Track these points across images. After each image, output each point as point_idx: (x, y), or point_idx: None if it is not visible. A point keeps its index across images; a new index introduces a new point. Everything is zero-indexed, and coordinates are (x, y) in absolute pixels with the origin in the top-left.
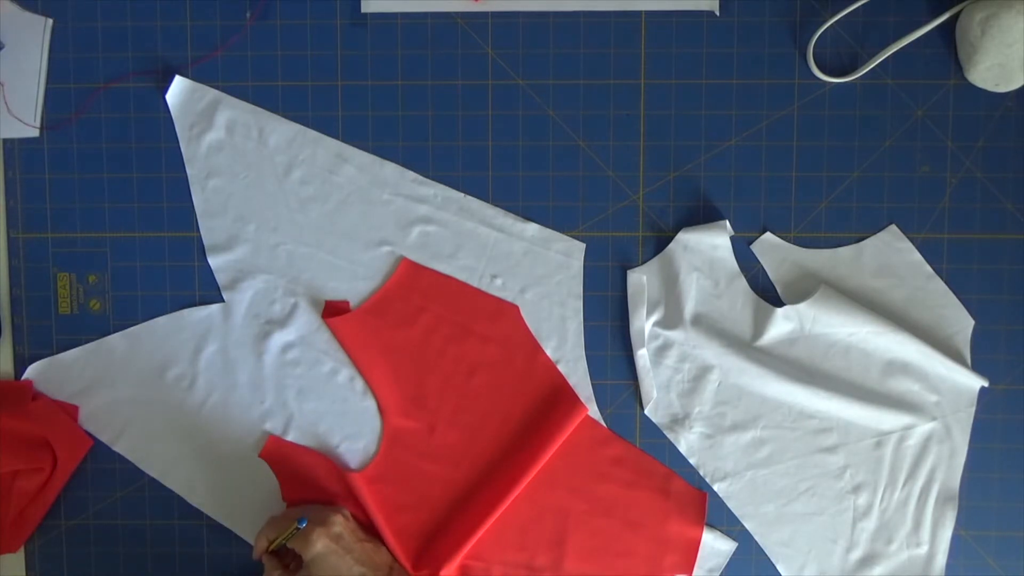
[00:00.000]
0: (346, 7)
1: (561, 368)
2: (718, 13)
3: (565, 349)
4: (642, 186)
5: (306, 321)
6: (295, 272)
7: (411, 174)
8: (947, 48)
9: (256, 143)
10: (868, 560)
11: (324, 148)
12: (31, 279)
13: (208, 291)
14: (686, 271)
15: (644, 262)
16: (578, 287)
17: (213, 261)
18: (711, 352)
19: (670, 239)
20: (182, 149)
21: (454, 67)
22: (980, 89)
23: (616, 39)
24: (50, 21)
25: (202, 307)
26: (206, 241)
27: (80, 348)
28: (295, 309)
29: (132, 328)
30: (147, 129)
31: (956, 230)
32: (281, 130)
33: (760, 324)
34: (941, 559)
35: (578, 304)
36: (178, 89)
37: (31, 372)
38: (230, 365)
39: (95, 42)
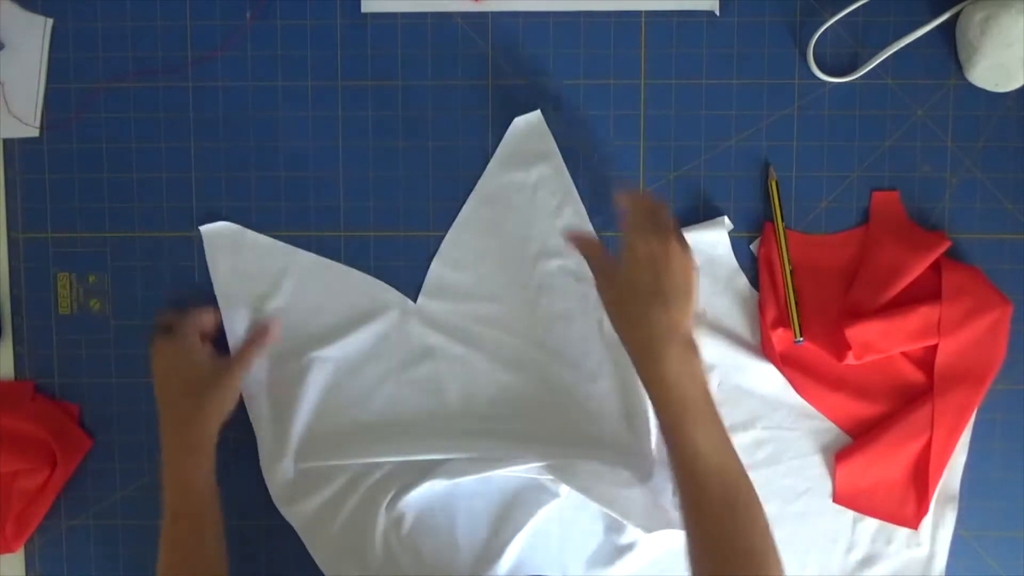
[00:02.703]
0: (346, 7)
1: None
2: (718, 13)
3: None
4: (642, 186)
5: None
6: None
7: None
8: (947, 48)
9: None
10: (868, 560)
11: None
12: (31, 279)
13: (208, 291)
14: None
15: None
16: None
17: None
18: (711, 352)
19: None
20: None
21: (454, 67)
22: (980, 89)
23: (616, 39)
24: (50, 21)
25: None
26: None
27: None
28: None
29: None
30: (147, 129)
31: (956, 230)
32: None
33: None
34: (941, 559)
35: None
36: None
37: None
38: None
39: (95, 42)
